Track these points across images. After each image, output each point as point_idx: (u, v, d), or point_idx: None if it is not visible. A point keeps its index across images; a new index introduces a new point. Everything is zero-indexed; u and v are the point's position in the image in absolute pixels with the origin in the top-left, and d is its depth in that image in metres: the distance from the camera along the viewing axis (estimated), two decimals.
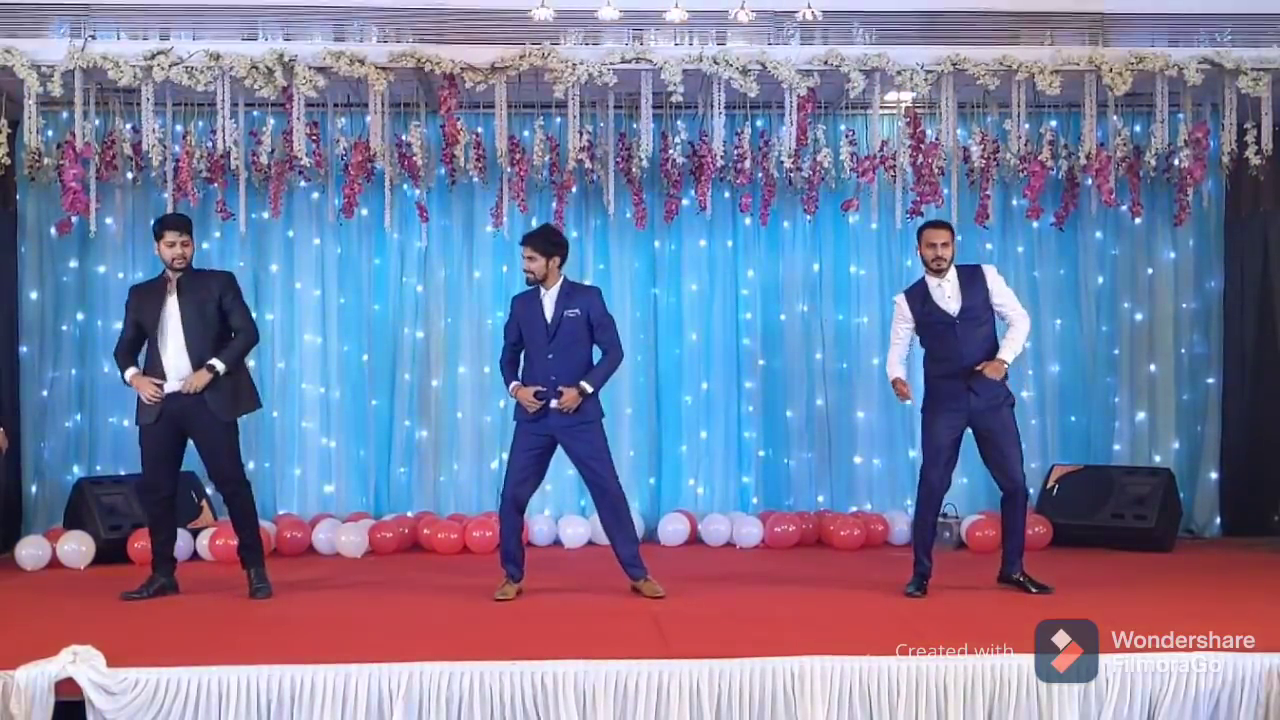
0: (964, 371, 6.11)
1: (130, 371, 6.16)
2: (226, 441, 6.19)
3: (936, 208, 7.81)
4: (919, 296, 6.27)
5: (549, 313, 6.16)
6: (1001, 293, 6.26)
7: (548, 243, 6.19)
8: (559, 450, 6.25)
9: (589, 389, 6.10)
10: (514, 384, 6.20)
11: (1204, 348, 8.67)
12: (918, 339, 6.37)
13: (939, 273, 6.21)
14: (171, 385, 6.10)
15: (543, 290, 6.19)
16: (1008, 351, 6.15)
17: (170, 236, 6.15)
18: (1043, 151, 7.70)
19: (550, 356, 6.13)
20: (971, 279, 6.24)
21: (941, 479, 6.26)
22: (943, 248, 6.18)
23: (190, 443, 6.25)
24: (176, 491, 6.36)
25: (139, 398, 6.17)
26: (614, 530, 6.23)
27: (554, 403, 6.08)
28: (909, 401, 6.52)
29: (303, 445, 8.40)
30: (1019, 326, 6.22)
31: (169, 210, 7.61)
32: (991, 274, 6.31)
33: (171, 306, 6.16)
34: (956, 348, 6.16)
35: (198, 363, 6.09)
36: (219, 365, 6.08)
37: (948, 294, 6.21)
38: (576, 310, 6.15)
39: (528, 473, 6.19)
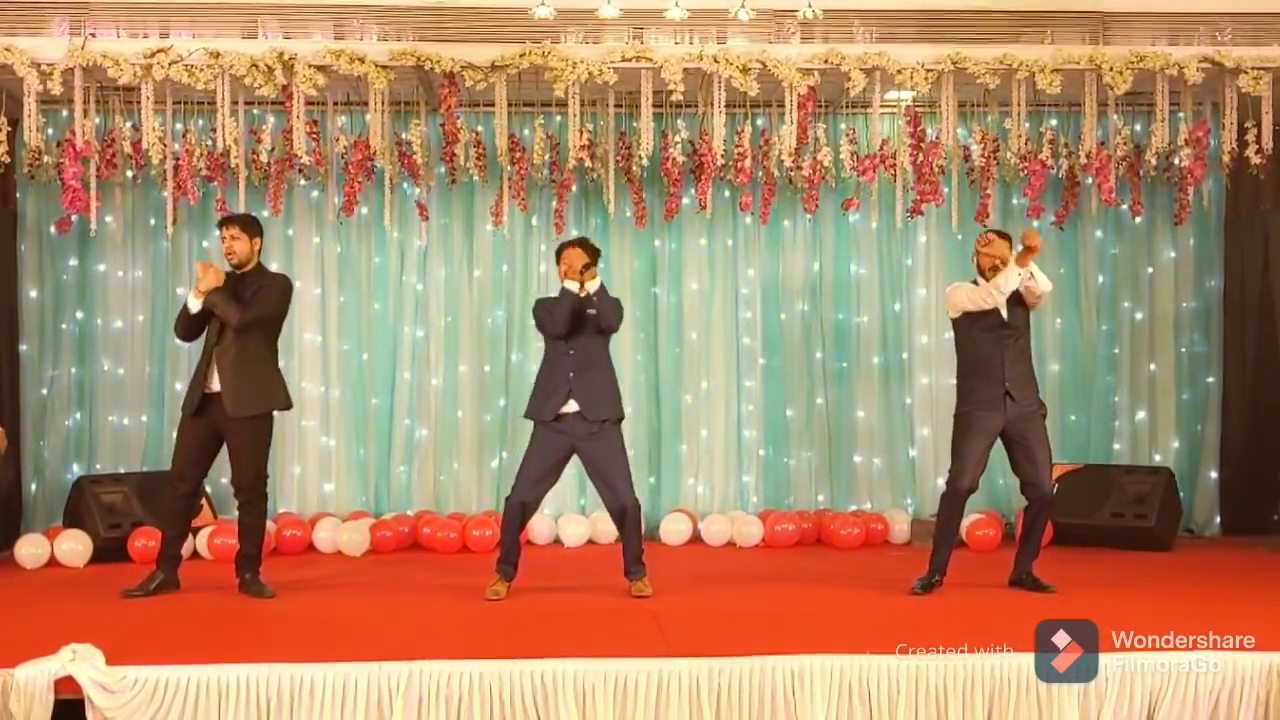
0: (1003, 386, 6.10)
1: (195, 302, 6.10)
2: (248, 447, 6.14)
3: (937, 207, 7.82)
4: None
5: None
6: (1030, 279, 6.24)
7: (592, 248, 6.28)
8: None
9: (598, 283, 6.12)
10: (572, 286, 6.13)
11: (1204, 347, 8.67)
12: (957, 344, 6.36)
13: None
14: (214, 385, 6.09)
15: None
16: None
17: (221, 231, 6.23)
18: (1043, 150, 7.70)
19: (571, 353, 6.14)
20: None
21: (971, 486, 6.25)
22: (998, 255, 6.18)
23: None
24: (198, 493, 6.37)
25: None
26: (629, 544, 6.19)
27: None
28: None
29: (302, 444, 8.40)
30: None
31: (169, 210, 7.64)
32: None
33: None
34: (1001, 354, 6.16)
35: (230, 367, 6.07)
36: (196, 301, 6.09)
37: (1004, 303, 6.19)
38: (594, 311, 6.17)
39: (541, 479, 6.19)
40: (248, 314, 6.10)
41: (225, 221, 6.31)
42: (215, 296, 6.08)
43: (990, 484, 8.04)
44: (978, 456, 6.20)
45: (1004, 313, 6.18)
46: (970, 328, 6.25)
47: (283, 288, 6.30)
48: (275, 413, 6.28)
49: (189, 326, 6.23)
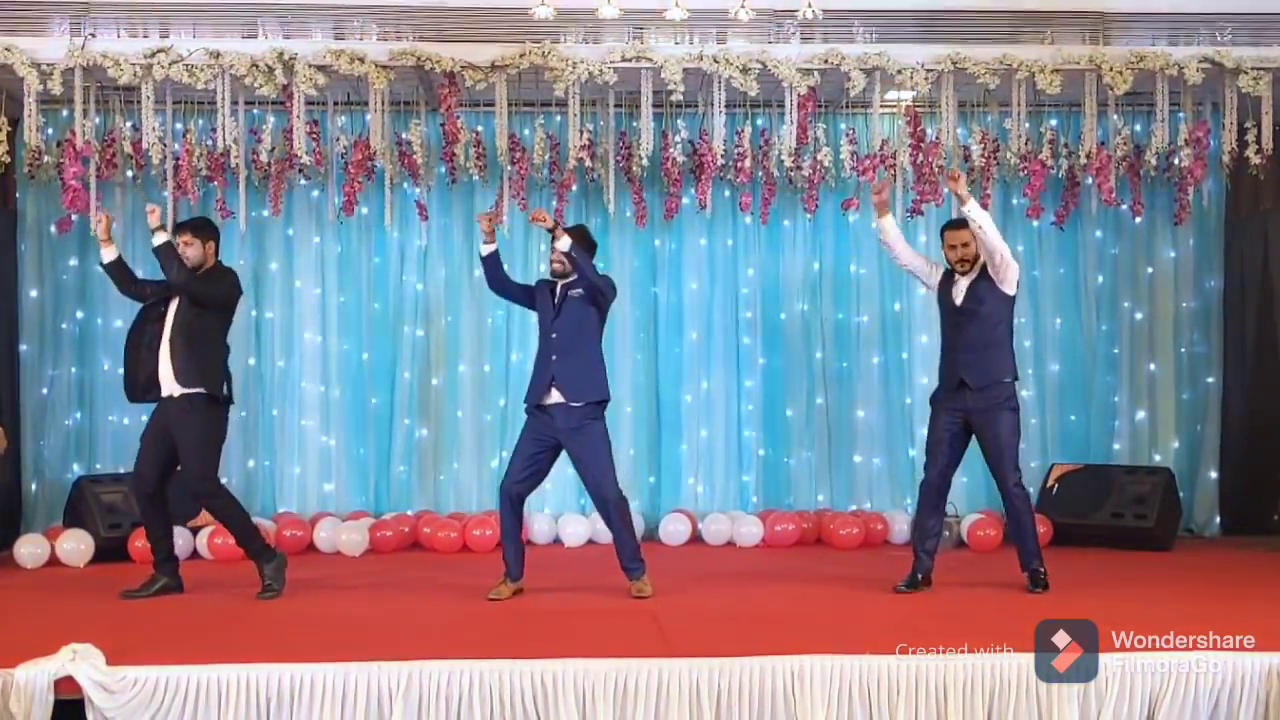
0: (959, 365, 6.20)
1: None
2: (190, 445, 6.08)
3: (936, 207, 7.82)
4: (947, 276, 6.33)
5: (556, 296, 6.22)
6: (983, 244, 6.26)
7: (583, 240, 6.27)
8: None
9: (568, 243, 6.04)
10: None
11: (1204, 347, 8.67)
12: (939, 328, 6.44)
13: (962, 274, 6.26)
14: (165, 390, 6.12)
15: (559, 283, 6.25)
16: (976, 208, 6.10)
17: (178, 237, 6.19)
18: (1043, 150, 7.71)
19: (554, 336, 6.14)
20: (982, 277, 6.28)
21: (940, 475, 6.30)
22: (964, 248, 6.22)
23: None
24: (161, 492, 6.24)
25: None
26: (616, 538, 6.21)
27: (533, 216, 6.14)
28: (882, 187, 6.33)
29: (302, 444, 8.40)
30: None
31: (170, 209, 7.61)
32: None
33: (172, 307, 6.17)
34: (956, 342, 6.23)
35: (178, 373, 6.08)
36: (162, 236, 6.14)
37: (963, 289, 6.26)
38: (580, 290, 6.16)
39: (526, 471, 6.18)
40: (193, 280, 6.13)
41: (178, 227, 6.29)
42: (168, 252, 6.09)
43: (990, 483, 8.02)
44: (942, 445, 6.25)
45: (958, 298, 6.23)
46: (938, 305, 6.38)
47: (230, 277, 6.34)
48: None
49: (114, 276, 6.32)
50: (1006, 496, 6.27)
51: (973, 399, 6.18)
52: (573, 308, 6.15)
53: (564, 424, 6.09)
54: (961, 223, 6.25)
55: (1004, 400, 6.23)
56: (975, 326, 6.20)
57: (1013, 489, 6.25)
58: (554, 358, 6.12)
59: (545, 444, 6.18)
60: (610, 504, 6.13)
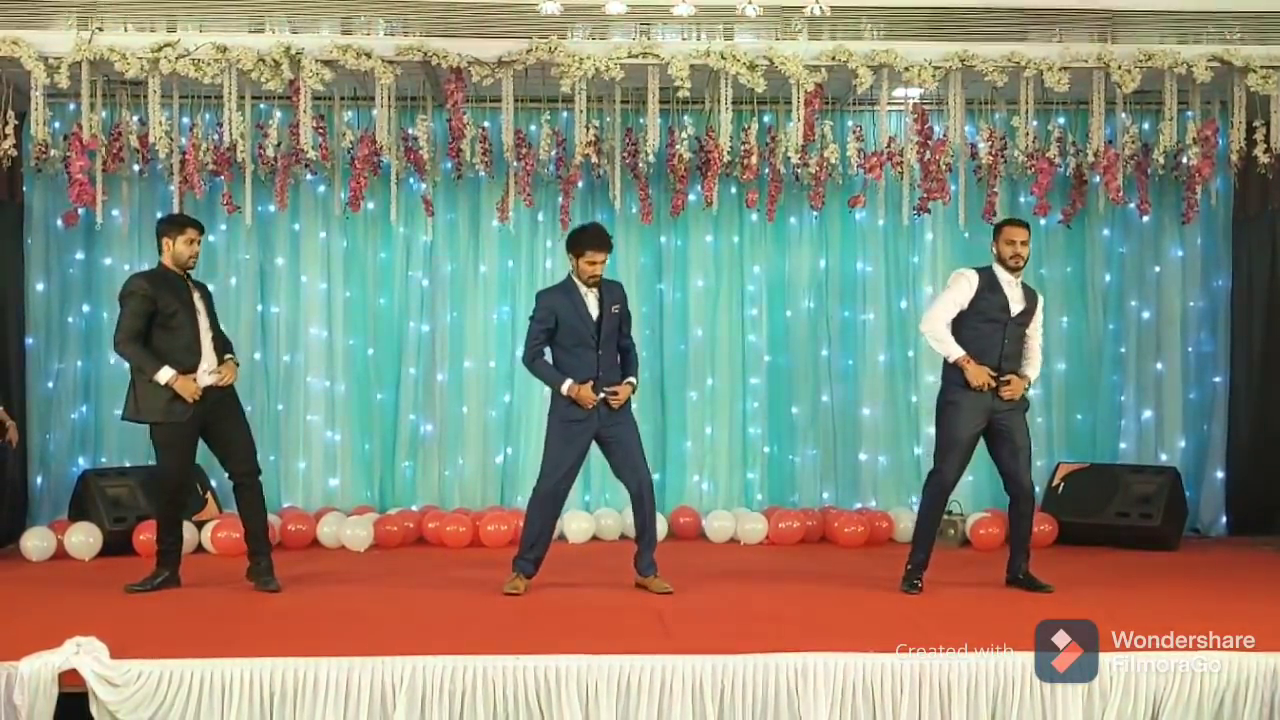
0: (997, 373, 6.10)
1: (168, 372, 5.98)
2: (249, 428, 6.29)
3: (944, 205, 7.81)
4: (988, 282, 6.16)
5: (594, 310, 6.11)
6: (1038, 323, 6.30)
7: (611, 243, 6.19)
8: None
9: (635, 384, 6.20)
10: (569, 384, 6.02)
11: (1211, 346, 8.65)
12: (956, 326, 6.24)
13: (1014, 270, 6.17)
14: (205, 380, 6.09)
15: (583, 288, 6.13)
16: (1031, 370, 6.23)
17: (191, 234, 6.15)
18: (1050, 148, 7.70)
19: (600, 354, 6.10)
20: (1029, 293, 6.26)
21: (957, 475, 6.25)
22: (1022, 246, 6.14)
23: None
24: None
25: (140, 395, 6.11)
26: (647, 524, 6.20)
27: (609, 398, 6.06)
28: (992, 384, 6.08)
29: (308, 439, 8.40)
30: (1038, 354, 6.29)
31: (176, 203, 7.64)
32: (1041, 302, 6.35)
33: (198, 304, 6.18)
34: (1000, 347, 6.13)
35: (219, 359, 6.18)
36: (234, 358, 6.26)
37: (1015, 295, 6.18)
38: (617, 306, 6.17)
39: (572, 469, 6.17)
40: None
41: (198, 226, 6.23)
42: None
43: (995, 481, 8.01)
44: (967, 444, 6.18)
45: (1014, 307, 6.16)
46: (973, 315, 6.17)
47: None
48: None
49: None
50: (1025, 498, 6.22)
51: (999, 400, 6.12)
52: (611, 323, 6.13)
53: (606, 418, 6.09)
54: (1021, 221, 6.30)
55: (1023, 399, 6.24)
56: (1019, 334, 6.19)
57: (1032, 490, 6.25)
58: (600, 373, 6.08)
59: (586, 441, 6.15)
60: (650, 487, 6.18)
